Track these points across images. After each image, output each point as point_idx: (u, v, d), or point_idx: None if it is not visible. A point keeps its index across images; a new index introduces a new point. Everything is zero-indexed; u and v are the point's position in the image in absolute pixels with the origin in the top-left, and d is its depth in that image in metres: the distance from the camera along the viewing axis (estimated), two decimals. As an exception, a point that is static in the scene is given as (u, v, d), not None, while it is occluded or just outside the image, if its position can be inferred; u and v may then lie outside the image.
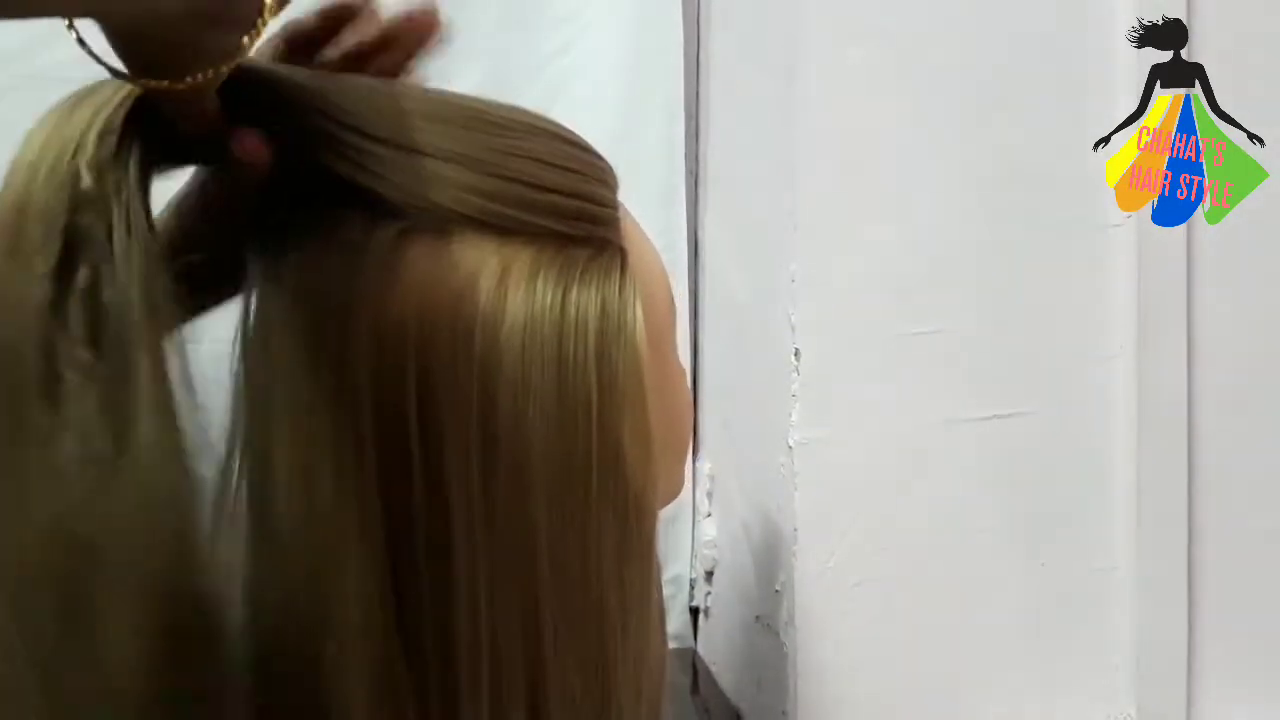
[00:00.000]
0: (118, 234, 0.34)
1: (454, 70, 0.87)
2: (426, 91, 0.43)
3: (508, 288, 0.38)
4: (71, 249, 0.33)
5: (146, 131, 0.35)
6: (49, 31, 0.29)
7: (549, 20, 0.86)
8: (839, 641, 0.66)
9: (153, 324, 0.34)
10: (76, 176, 0.33)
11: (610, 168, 0.44)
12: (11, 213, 0.33)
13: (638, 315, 0.40)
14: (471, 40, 0.83)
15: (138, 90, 0.34)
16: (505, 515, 0.38)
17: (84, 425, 0.33)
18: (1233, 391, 0.69)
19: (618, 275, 0.40)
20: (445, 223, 0.38)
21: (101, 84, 0.34)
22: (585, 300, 0.39)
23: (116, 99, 0.34)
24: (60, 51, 0.31)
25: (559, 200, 0.40)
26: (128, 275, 0.34)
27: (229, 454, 0.39)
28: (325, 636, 0.37)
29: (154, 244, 0.34)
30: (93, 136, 0.33)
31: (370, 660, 0.37)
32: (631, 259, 0.41)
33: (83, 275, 0.33)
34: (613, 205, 0.43)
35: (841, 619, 0.66)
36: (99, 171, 0.34)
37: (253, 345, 0.38)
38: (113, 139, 0.34)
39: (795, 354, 0.66)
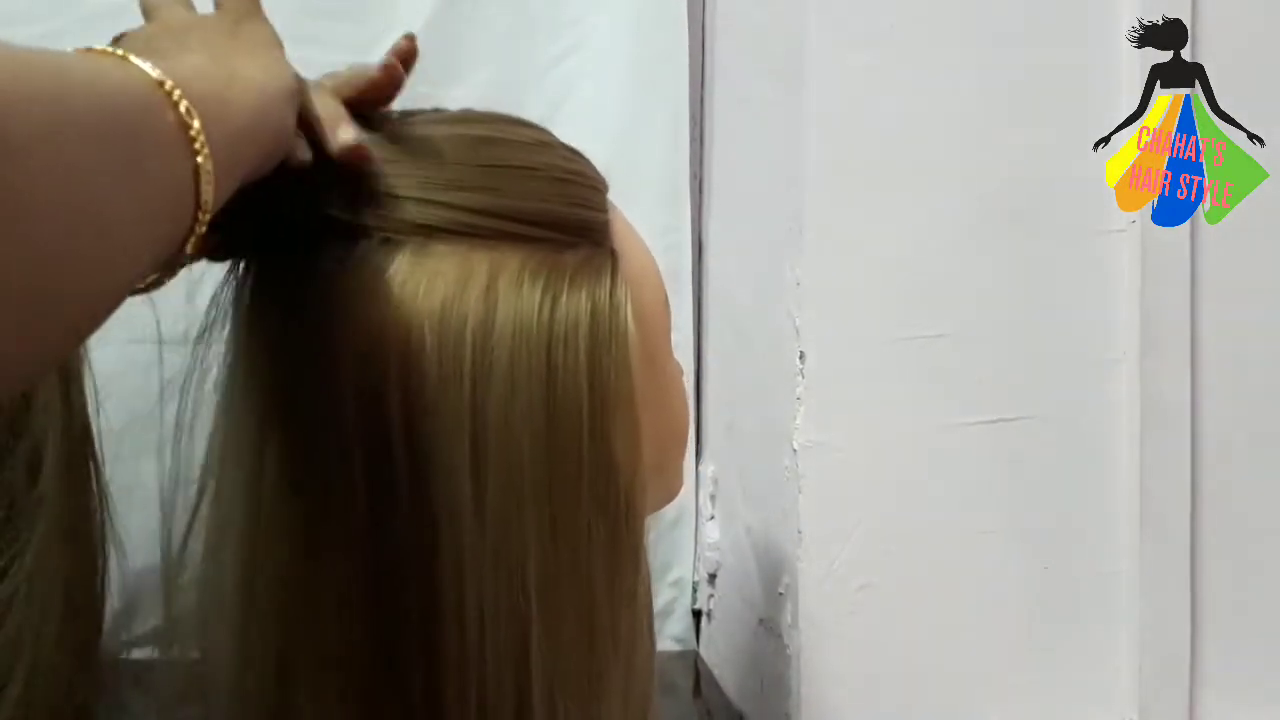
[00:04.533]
0: None
1: (463, 71, 0.88)
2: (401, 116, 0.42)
3: (496, 296, 0.37)
4: None
5: None
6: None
7: (556, 24, 0.86)
8: (843, 644, 0.66)
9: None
10: None
11: (598, 172, 0.44)
12: None
13: (628, 318, 0.40)
14: (480, 42, 0.83)
15: None
16: (496, 527, 0.37)
17: None
18: (1236, 395, 0.69)
19: (608, 279, 0.40)
20: (428, 237, 0.37)
21: None
22: (575, 305, 0.38)
23: None
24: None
25: (546, 208, 0.40)
26: None
27: (203, 478, 0.39)
28: (299, 661, 0.36)
29: None
30: None
31: (350, 686, 0.36)
32: (622, 261, 0.41)
33: None
34: (602, 209, 0.42)
35: (845, 622, 0.66)
36: None
37: (235, 373, 0.38)
38: None
39: (800, 357, 0.66)
